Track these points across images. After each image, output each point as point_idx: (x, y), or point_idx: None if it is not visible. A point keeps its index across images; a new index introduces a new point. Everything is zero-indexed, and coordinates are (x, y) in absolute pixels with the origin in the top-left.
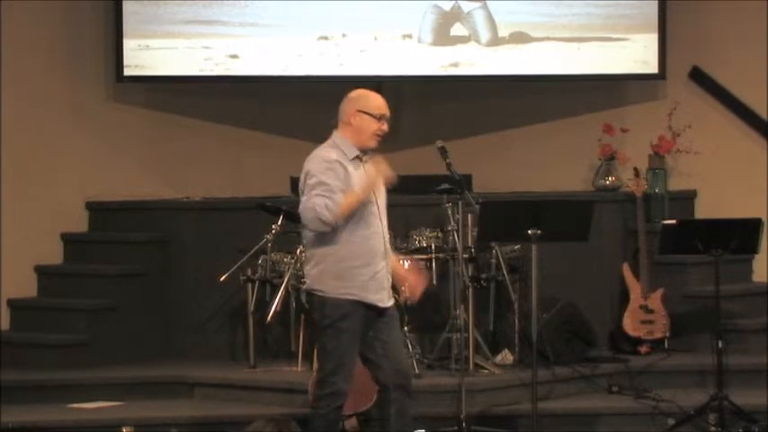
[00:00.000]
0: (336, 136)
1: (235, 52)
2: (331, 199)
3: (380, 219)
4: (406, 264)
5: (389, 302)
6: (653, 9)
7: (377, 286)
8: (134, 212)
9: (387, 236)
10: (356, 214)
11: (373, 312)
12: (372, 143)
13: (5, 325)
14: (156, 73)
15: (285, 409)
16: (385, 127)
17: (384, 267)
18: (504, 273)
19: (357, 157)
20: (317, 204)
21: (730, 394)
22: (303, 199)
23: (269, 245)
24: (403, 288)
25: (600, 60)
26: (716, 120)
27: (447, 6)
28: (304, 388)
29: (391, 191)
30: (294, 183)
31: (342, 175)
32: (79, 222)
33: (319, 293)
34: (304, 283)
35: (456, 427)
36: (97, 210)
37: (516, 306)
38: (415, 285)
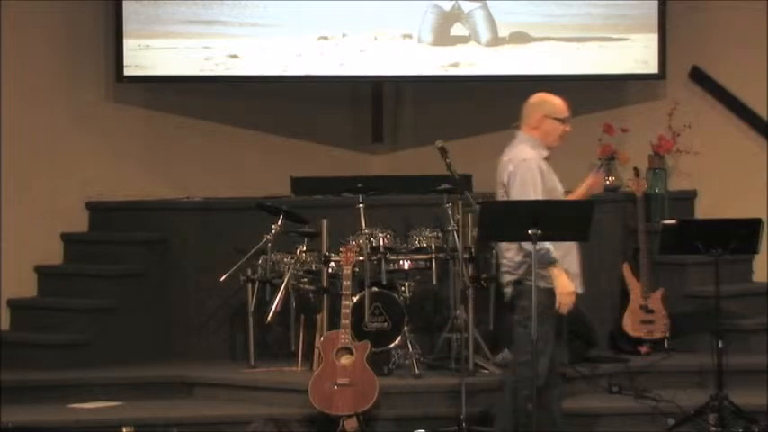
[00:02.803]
0: (527, 137)
1: (235, 52)
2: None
3: None
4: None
5: (581, 289)
6: (653, 9)
7: (572, 274)
8: (134, 212)
9: None
10: None
11: None
12: (558, 144)
13: (5, 325)
14: (156, 73)
15: (285, 409)
16: (569, 128)
17: (576, 257)
18: None
19: (546, 156)
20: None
21: (730, 394)
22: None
23: (269, 245)
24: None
25: (600, 60)
26: (716, 120)
27: (447, 6)
28: (304, 388)
29: (391, 191)
30: (294, 183)
31: (543, 174)
32: (79, 222)
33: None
34: (304, 281)
35: (456, 427)
36: (97, 210)
37: None
38: (594, 183)
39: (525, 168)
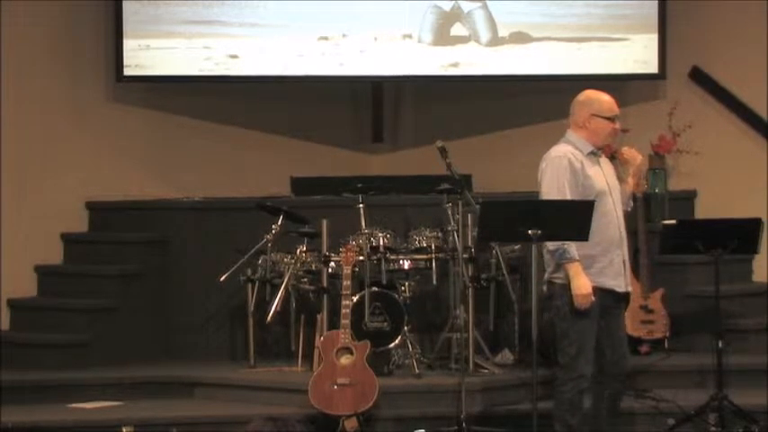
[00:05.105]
0: (571, 134)
1: (235, 52)
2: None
3: (616, 209)
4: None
5: (627, 288)
6: (653, 9)
7: (614, 272)
8: (134, 212)
9: (623, 225)
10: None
11: (610, 298)
12: (608, 142)
13: (5, 325)
14: (156, 73)
15: (285, 409)
16: (618, 126)
17: (621, 255)
18: (504, 273)
19: (592, 152)
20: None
21: (730, 394)
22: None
23: (269, 245)
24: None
25: (600, 60)
26: (716, 120)
27: (447, 6)
28: (304, 388)
29: (391, 191)
30: (294, 182)
31: (576, 172)
32: (79, 222)
33: (561, 281)
34: (304, 281)
35: (456, 427)
36: (97, 210)
37: (516, 306)
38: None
39: (553, 165)
